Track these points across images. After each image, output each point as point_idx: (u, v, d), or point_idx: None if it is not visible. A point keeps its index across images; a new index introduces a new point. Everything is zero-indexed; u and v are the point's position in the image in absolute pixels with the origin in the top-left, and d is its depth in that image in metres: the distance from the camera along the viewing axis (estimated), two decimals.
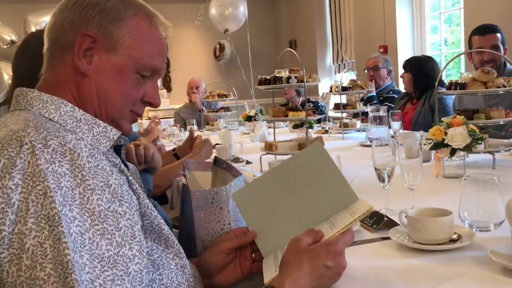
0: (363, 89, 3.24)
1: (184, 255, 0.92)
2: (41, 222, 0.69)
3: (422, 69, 3.46)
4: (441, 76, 2.15)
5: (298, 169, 1.03)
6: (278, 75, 2.13)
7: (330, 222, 0.96)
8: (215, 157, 1.49)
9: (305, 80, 2.09)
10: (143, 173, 1.55)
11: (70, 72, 0.87)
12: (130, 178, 0.85)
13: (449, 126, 1.74)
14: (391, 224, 1.21)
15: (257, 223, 1.05)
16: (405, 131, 2.76)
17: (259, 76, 2.23)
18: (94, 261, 0.71)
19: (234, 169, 1.31)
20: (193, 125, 4.14)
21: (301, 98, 4.66)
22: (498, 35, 2.91)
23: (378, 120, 2.72)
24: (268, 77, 2.16)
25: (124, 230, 0.75)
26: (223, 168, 1.41)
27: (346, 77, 3.84)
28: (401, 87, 4.15)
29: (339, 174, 0.99)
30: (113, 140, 0.87)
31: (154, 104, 0.95)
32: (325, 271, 0.87)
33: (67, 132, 0.80)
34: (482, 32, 2.93)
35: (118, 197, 0.76)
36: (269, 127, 3.35)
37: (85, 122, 0.85)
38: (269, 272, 0.94)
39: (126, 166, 0.92)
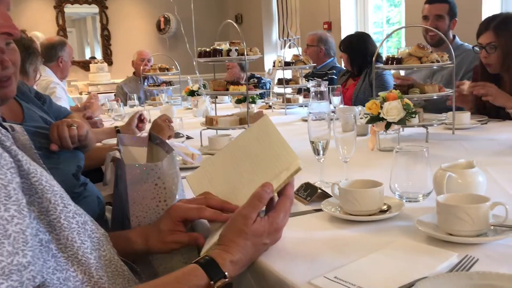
0: (305, 64, 3.25)
1: (84, 212, 0.87)
2: None
3: (354, 47, 3.55)
4: (378, 51, 2.17)
5: (248, 144, 1.04)
6: (218, 47, 2.08)
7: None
8: (150, 132, 1.44)
9: (245, 53, 2.05)
10: (74, 150, 1.48)
11: None
12: None
13: (385, 100, 1.78)
14: (325, 196, 1.22)
15: None
16: (344, 106, 2.80)
17: (199, 48, 2.17)
18: None
19: (166, 145, 1.28)
20: (134, 100, 4.04)
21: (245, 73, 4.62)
22: (446, 5, 2.95)
23: (319, 96, 2.74)
24: (208, 50, 2.11)
25: None
26: (157, 144, 1.37)
27: (292, 53, 3.83)
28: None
29: (281, 138, 1.00)
30: None
31: (14, 34, 0.89)
32: (262, 247, 0.91)
33: None
34: (431, 1, 2.99)
35: None
36: (212, 102, 3.31)
37: None
38: (210, 243, 0.94)
39: (5, 127, 0.85)
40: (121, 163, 1.19)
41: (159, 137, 1.37)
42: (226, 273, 0.83)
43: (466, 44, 2.99)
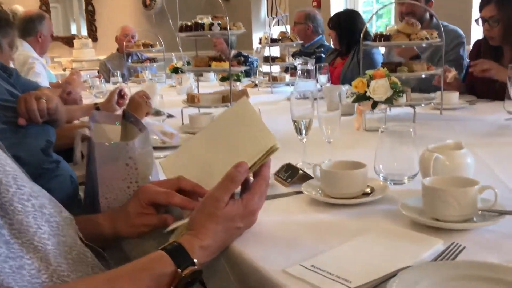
0: (292, 41, 3.17)
1: (43, 194, 0.80)
2: None
3: (343, 24, 3.47)
4: (366, 29, 2.10)
5: (225, 126, 1.00)
6: (200, 21, 1.99)
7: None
8: (124, 110, 1.37)
9: (228, 27, 1.97)
10: (43, 124, 1.40)
11: None
12: None
13: (372, 78, 1.71)
14: (306, 177, 1.16)
15: None
16: (331, 84, 2.73)
17: (180, 22, 2.08)
18: None
19: (140, 124, 1.21)
20: (117, 76, 3.93)
21: (232, 51, 4.52)
22: None
23: (306, 74, 2.67)
24: (189, 24, 2.02)
25: None
26: (131, 122, 1.30)
27: (281, 30, 3.74)
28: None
29: (259, 120, 0.95)
30: None
31: None
32: (235, 231, 0.85)
33: None
34: None
35: None
36: (197, 80, 3.23)
37: None
38: (176, 225, 0.88)
39: None
40: (91, 142, 1.12)
41: (133, 114, 1.30)
42: (194, 260, 0.77)
43: (445, 23, 2.92)
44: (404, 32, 1.89)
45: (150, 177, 1.09)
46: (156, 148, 1.57)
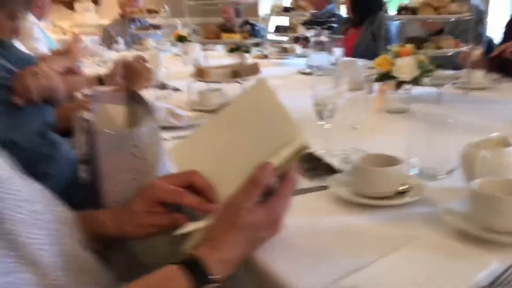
0: (305, 10, 3.00)
1: (33, 192, 0.69)
2: None
3: None
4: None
5: (242, 114, 0.86)
6: None
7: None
8: (127, 87, 1.24)
9: None
10: (40, 104, 1.27)
11: None
12: None
13: (396, 56, 1.58)
14: (330, 170, 1.05)
15: None
16: (346, 58, 2.59)
17: None
18: None
19: (148, 105, 1.08)
20: (120, 44, 3.78)
21: (240, 19, 4.33)
22: None
23: (319, 46, 2.53)
24: None
25: None
26: (138, 102, 1.18)
27: None
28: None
29: (281, 106, 0.81)
30: None
31: None
32: (258, 242, 0.74)
33: None
34: None
35: None
36: (204, 50, 3.07)
37: None
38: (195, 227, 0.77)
39: None
40: (93, 127, 1.00)
41: (139, 94, 1.17)
42: (214, 277, 0.66)
43: None
44: (432, 4, 1.73)
45: (159, 168, 0.98)
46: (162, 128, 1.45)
